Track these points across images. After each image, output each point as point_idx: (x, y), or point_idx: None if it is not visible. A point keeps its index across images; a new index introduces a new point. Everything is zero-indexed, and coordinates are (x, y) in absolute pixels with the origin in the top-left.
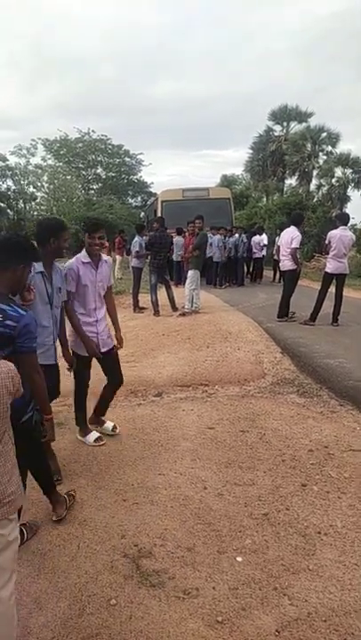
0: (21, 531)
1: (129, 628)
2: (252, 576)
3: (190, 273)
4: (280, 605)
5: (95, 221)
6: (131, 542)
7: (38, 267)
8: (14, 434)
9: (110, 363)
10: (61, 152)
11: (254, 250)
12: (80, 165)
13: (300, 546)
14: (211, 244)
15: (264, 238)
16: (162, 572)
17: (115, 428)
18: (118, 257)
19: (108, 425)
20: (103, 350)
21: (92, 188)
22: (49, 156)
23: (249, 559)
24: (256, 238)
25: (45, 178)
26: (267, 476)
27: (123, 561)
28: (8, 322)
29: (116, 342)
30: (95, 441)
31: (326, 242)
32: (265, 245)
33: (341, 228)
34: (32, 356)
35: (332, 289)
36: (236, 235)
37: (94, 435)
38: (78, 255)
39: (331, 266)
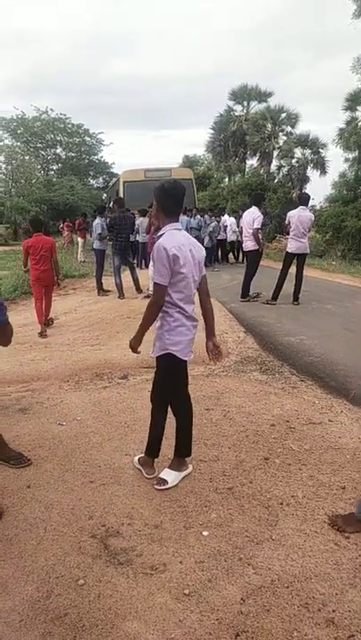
0: None
1: (97, 606)
2: (217, 549)
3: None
4: (245, 575)
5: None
6: (98, 523)
7: None
8: None
9: None
10: (18, 131)
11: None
12: (39, 145)
13: (263, 517)
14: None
15: (227, 220)
16: (129, 550)
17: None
18: (80, 239)
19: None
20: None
21: (52, 169)
22: (6, 136)
23: (215, 532)
24: (222, 220)
25: (2, 158)
26: (231, 452)
27: (91, 541)
28: None
29: (208, 353)
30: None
31: (286, 222)
32: (226, 227)
33: (301, 208)
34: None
35: (293, 269)
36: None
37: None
38: None
39: (292, 245)
